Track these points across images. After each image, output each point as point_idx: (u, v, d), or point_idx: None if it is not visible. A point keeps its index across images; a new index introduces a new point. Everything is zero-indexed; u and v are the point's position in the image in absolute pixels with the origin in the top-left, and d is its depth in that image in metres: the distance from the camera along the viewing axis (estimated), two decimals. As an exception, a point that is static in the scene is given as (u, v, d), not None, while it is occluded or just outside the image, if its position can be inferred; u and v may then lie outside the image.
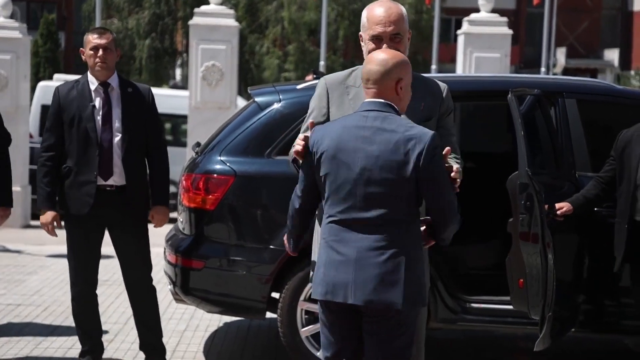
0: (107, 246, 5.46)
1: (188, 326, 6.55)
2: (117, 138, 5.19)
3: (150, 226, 5.41)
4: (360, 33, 3.89)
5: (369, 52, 3.72)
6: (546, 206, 4.90)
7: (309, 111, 3.97)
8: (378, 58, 3.46)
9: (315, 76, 5.76)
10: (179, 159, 13.20)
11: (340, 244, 3.42)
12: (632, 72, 36.10)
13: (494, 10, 13.70)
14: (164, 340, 5.52)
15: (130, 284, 5.42)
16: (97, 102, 5.23)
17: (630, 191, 4.76)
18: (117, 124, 5.20)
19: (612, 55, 41.09)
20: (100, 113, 5.20)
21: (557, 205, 5.03)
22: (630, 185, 4.76)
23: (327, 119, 3.85)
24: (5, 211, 5.37)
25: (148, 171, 5.39)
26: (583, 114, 5.47)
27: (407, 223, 3.40)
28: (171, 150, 21.03)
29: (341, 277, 3.40)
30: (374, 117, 3.42)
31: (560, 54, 39.51)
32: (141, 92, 5.36)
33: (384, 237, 3.37)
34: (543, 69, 20.00)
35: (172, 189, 14.96)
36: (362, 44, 3.88)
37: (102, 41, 5.24)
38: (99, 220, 5.24)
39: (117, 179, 5.20)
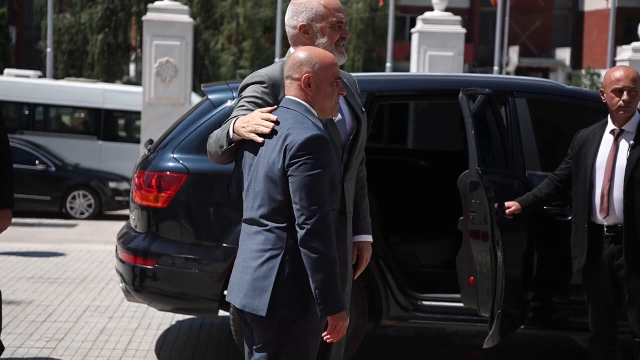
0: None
1: (140, 324, 6.51)
2: None
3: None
4: (305, 22, 3.68)
5: (333, 41, 3.67)
6: (496, 205, 4.95)
7: (251, 104, 3.57)
8: (293, 55, 3.37)
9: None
10: (132, 156, 13.09)
11: (241, 243, 3.40)
12: (583, 71, 36.58)
13: (448, 9, 13.82)
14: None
15: None
16: None
17: (586, 192, 4.82)
18: None
19: (564, 54, 41.63)
20: None
21: (507, 204, 5.08)
22: (586, 186, 4.81)
23: None
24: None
25: None
26: (533, 113, 5.54)
27: (291, 226, 3.22)
28: (124, 147, 20.98)
29: (233, 278, 3.38)
30: (277, 113, 3.34)
31: (513, 53, 39.93)
32: None
33: (264, 239, 3.27)
34: (496, 68, 20.23)
35: (125, 185, 14.95)
36: (306, 35, 3.69)
37: None
38: None
39: None
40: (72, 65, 31.77)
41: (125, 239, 5.57)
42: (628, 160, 4.70)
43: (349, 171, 3.74)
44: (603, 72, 21.97)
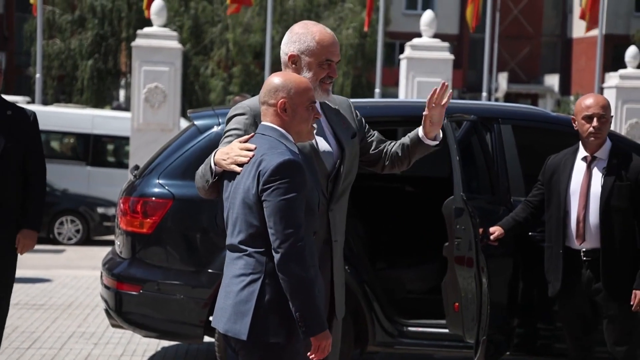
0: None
1: (125, 351, 6.48)
2: None
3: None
4: (295, 53, 3.72)
5: (318, 78, 3.68)
6: (480, 230, 4.97)
7: (231, 137, 3.59)
8: (268, 81, 3.41)
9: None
10: (121, 181, 13.06)
11: (225, 269, 3.42)
12: (572, 98, 36.78)
13: (437, 35, 13.89)
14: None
15: None
16: None
17: (560, 217, 4.85)
18: None
19: (553, 80, 41.86)
20: None
21: (490, 230, 5.10)
22: (560, 211, 4.85)
23: None
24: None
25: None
26: (518, 140, 5.57)
27: (269, 250, 3.23)
28: (113, 172, 20.92)
29: (218, 304, 3.41)
30: (253, 140, 3.37)
31: (502, 79, 40.14)
32: (24, 115, 5.18)
33: (245, 263, 3.29)
34: (484, 94, 20.30)
35: (113, 211, 14.90)
36: (291, 65, 3.71)
37: None
38: None
39: None
40: (61, 90, 31.76)
41: (110, 264, 5.56)
42: (602, 187, 4.77)
43: (334, 200, 3.74)
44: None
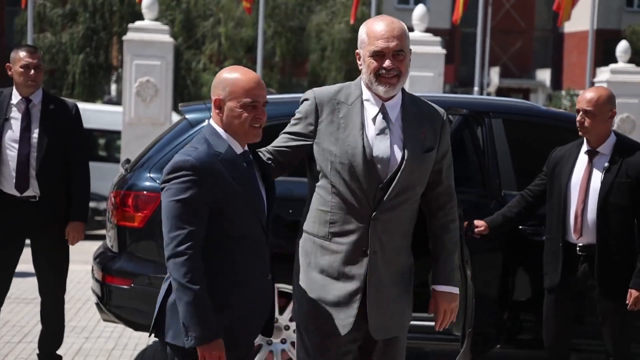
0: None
1: (116, 345, 6.48)
2: (34, 153, 5.29)
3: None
4: (357, 50, 3.61)
5: (372, 71, 3.49)
6: (466, 223, 4.97)
7: (292, 122, 3.65)
8: (218, 73, 3.32)
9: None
10: (112, 175, 13.03)
11: None
12: (563, 92, 36.85)
13: (429, 30, 13.91)
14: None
15: (44, 295, 5.53)
16: (18, 116, 5.32)
17: (561, 210, 4.85)
18: (34, 139, 5.30)
19: (544, 75, 41.95)
20: (19, 127, 5.28)
21: (476, 223, 5.11)
22: (561, 204, 4.85)
23: (313, 135, 3.56)
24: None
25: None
26: (509, 134, 5.57)
27: None
28: (105, 166, 20.87)
29: None
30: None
31: (494, 74, 40.20)
32: (65, 108, 5.42)
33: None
34: (476, 88, 20.31)
35: (105, 205, 14.86)
36: (359, 62, 3.59)
37: (34, 60, 5.35)
38: (14, 230, 5.35)
39: (33, 192, 5.32)
40: (52, 85, 31.69)
41: (101, 258, 5.55)
42: (602, 183, 4.74)
43: (380, 210, 3.50)
44: (582, 93, 22.22)
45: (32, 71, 5.31)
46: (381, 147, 3.50)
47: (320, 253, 3.57)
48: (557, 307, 4.90)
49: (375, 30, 3.49)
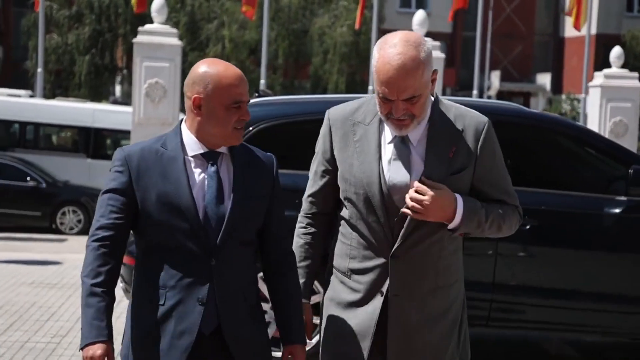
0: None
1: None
2: None
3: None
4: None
5: (381, 111, 2.92)
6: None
7: (314, 158, 3.20)
8: (193, 67, 2.86)
9: (257, 95, 6.02)
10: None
11: None
12: (563, 96, 37.20)
13: (430, 34, 14.33)
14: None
15: None
16: None
17: None
18: None
19: (545, 79, 42.30)
20: None
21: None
22: None
23: (333, 163, 3.10)
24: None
25: None
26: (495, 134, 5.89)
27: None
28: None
29: None
30: None
31: (495, 78, 40.57)
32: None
33: None
34: (475, 92, 20.70)
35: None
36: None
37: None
38: None
39: None
40: (58, 85, 32.11)
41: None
42: None
43: (400, 246, 2.97)
44: (582, 98, 22.55)
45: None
46: (400, 173, 2.96)
47: (340, 288, 3.12)
48: None
49: (381, 71, 2.86)
